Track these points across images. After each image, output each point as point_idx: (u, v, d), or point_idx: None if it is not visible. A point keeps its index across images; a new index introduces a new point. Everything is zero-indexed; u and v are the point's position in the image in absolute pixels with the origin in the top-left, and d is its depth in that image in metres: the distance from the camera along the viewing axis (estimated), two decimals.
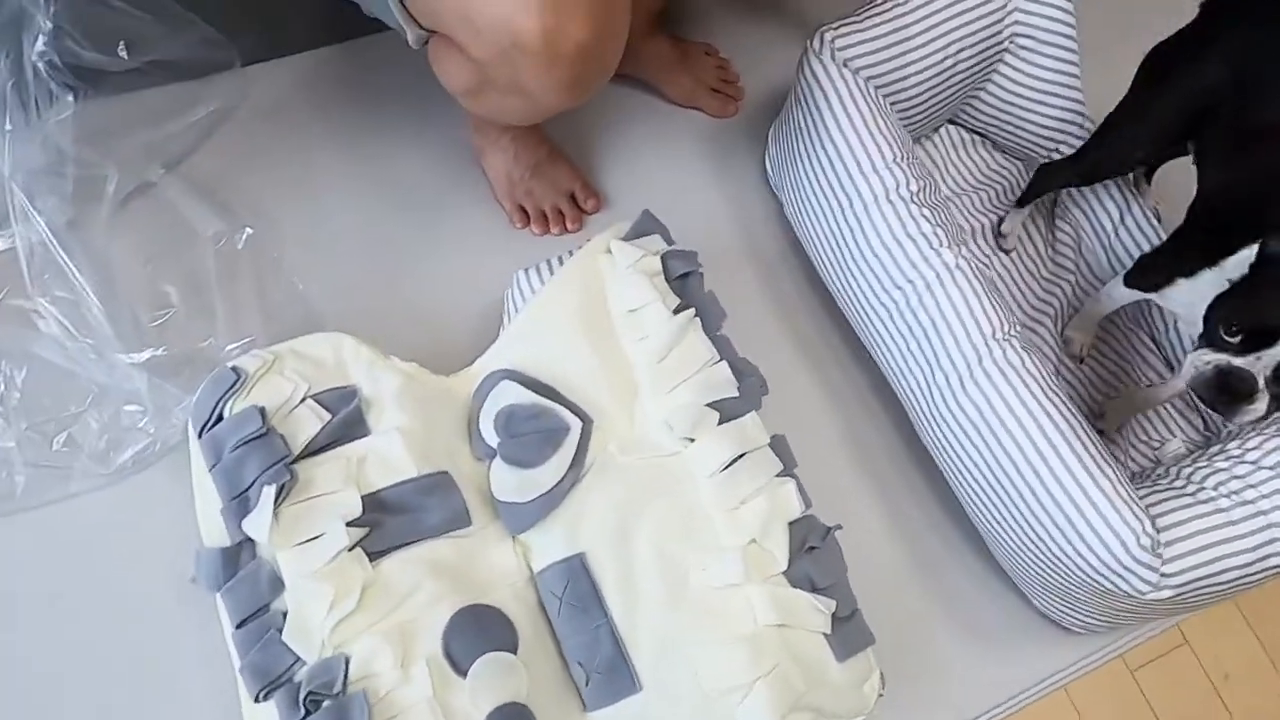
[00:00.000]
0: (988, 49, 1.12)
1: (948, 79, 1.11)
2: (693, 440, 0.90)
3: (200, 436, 0.85)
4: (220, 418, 0.85)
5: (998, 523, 0.94)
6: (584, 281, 0.96)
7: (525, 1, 0.66)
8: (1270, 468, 0.91)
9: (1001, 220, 1.21)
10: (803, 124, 1.05)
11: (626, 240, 0.99)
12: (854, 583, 0.91)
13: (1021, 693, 1.01)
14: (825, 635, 0.86)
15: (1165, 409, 1.13)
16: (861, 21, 1.05)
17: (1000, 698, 1.01)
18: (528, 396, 0.89)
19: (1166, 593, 0.84)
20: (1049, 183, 1.15)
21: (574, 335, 0.93)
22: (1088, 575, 0.86)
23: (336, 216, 1.11)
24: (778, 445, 0.94)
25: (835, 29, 1.04)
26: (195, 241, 1.03)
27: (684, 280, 1.00)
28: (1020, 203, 1.19)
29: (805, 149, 1.05)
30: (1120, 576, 0.84)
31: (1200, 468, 0.94)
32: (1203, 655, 1.07)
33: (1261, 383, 0.77)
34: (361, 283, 1.08)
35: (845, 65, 1.03)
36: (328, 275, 1.07)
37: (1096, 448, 0.87)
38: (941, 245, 0.96)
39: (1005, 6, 1.11)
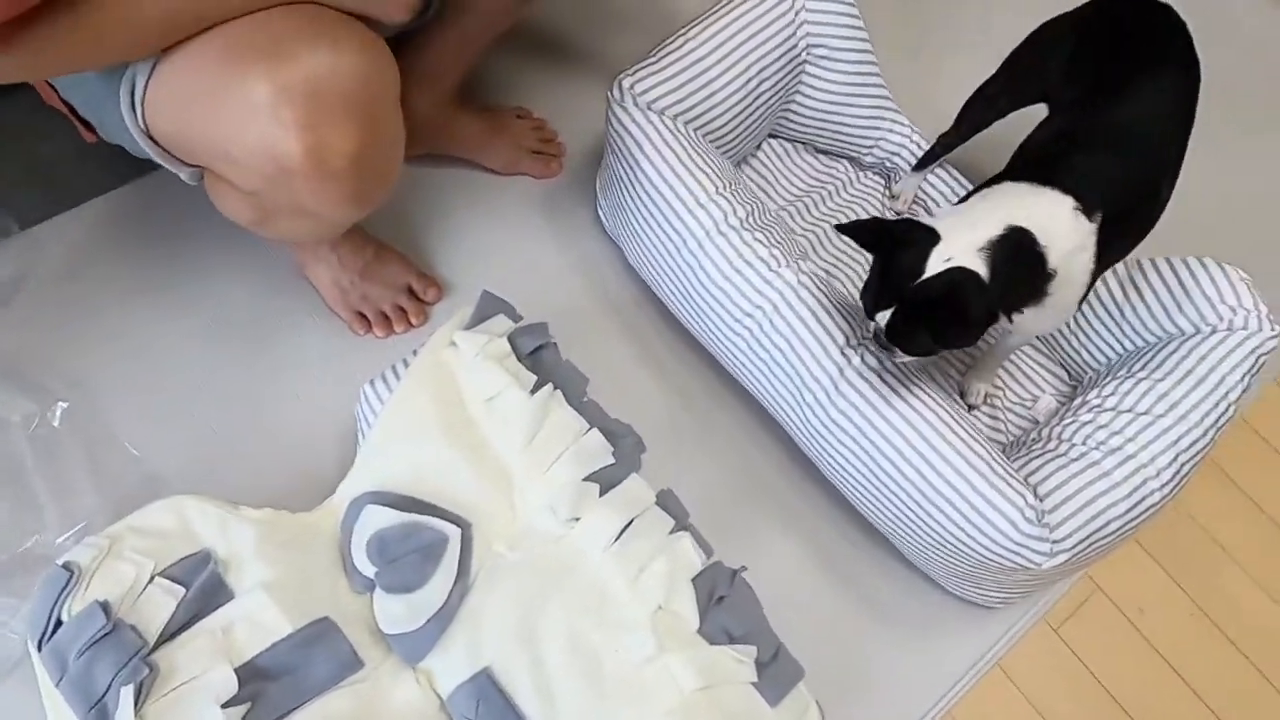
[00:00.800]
0: (787, 64, 1.15)
1: (754, 100, 1.13)
2: (578, 518, 0.87)
3: (40, 649, 0.77)
4: (59, 623, 0.77)
5: (893, 521, 0.95)
6: (433, 381, 0.92)
7: (280, 125, 0.63)
8: (1129, 410, 0.95)
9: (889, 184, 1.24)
10: (622, 173, 1.05)
11: (470, 327, 0.96)
12: (773, 611, 0.90)
13: (960, 679, 1.02)
14: (753, 684, 0.84)
15: (1028, 369, 1.17)
16: (657, 63, 1.05)
17: (942, 689, 1.01)
18: (395, 517, 0.84)
19: (1062, 557, 0.86)
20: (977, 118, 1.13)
21: (433, 439, 0.89)
22: (985, 557, 0.87)
23: (164, 366, 1.04)
24: (666, 500, 0.93)
25: (632, 74, 1.04)
26: (3, 429, 0.94)
27: (537, 355, 0.97)
28: (917, 167, 1.22)
29: (630, 196, 1.04)
30: (1015, 553, 0.85)
31: (1068, 424, 0.97)
32: (1115, 596, 1.10)
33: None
34: (203, 431, 1.01)
35: (649, 108, 1.03)
36: (165, 432, 1.00)
37: (967, 431, 0.89)
38: (780, 266, 0.96)
39: (795, 22, 1.13)
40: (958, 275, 0.78)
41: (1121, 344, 1.08)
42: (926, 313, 0.80)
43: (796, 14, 1.13)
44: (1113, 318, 1.08)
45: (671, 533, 0.89)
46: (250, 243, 1.09)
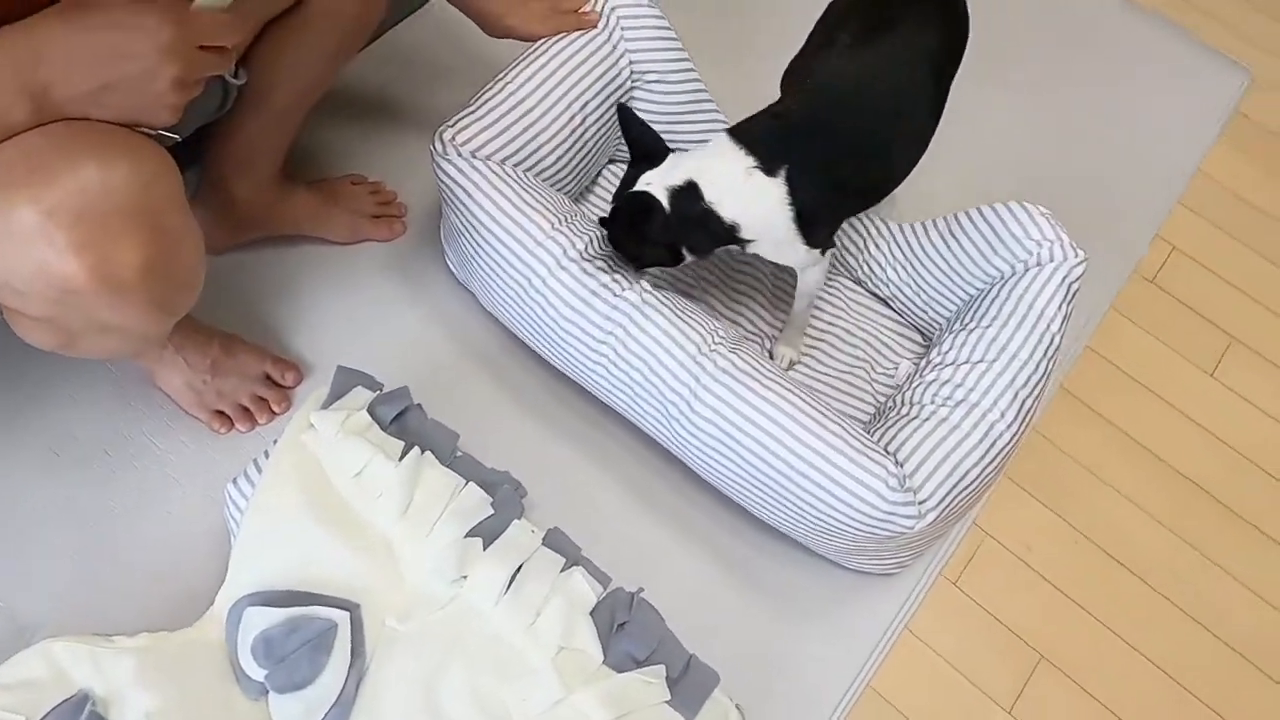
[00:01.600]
0: (614, 93, 1.17)
1: (584, 134, 1.15)
2: (466, 576, 0.87)
3: None
4: None
5: (776, 512, 0.98)
6: (296, 468, 0.90)
7: (55, 250, 0.61)
8: (967, 361, 1.00)
9: None
10: (459, 223, 1.06)
11: (327, 405, 0.95)
12: (680, 622, 0.91)
13: (873, 650, 1.05)
14: (667, 702, 0.85)
15: (886, 338, 1.22)
16: (476, 111, 1.07)
17: (857, 663, 1.04)
18: (278, 615, 0.83)
19: (931, 516, 0.90)
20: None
21: (305, 527, 0.88)
22: (862, 530, 0.91)
23: (17, 508, 0.99)
24: (554, 539, 0.93)
25: (453, 125, 1.05)
26: None
27: (401, 421, 0.97)
28: None
29: (471, 245, 1.05)
30: (887, 521, 0.89)
31: (917, 386, 1.02)
32: (1003, 539, 1.15)
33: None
34: (70, 568, 0.97)
35: (474, 156, 1.04)
36: (27, 577, 0.95)
37: (822, 413, 0.92)
38: (624, 289, 0.99)
39: (615, 52, 1.16)
40: (640, 197, 0.95)
41: (956, 296, 1.14)
42: (622, 221, 0.97)
43: (615, 45, 1.16)
44: (943, 271, 1.14)
45: (563, 570, 0.90)
46: (89, 362, 1.06)
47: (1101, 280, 1.32)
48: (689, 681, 0.88)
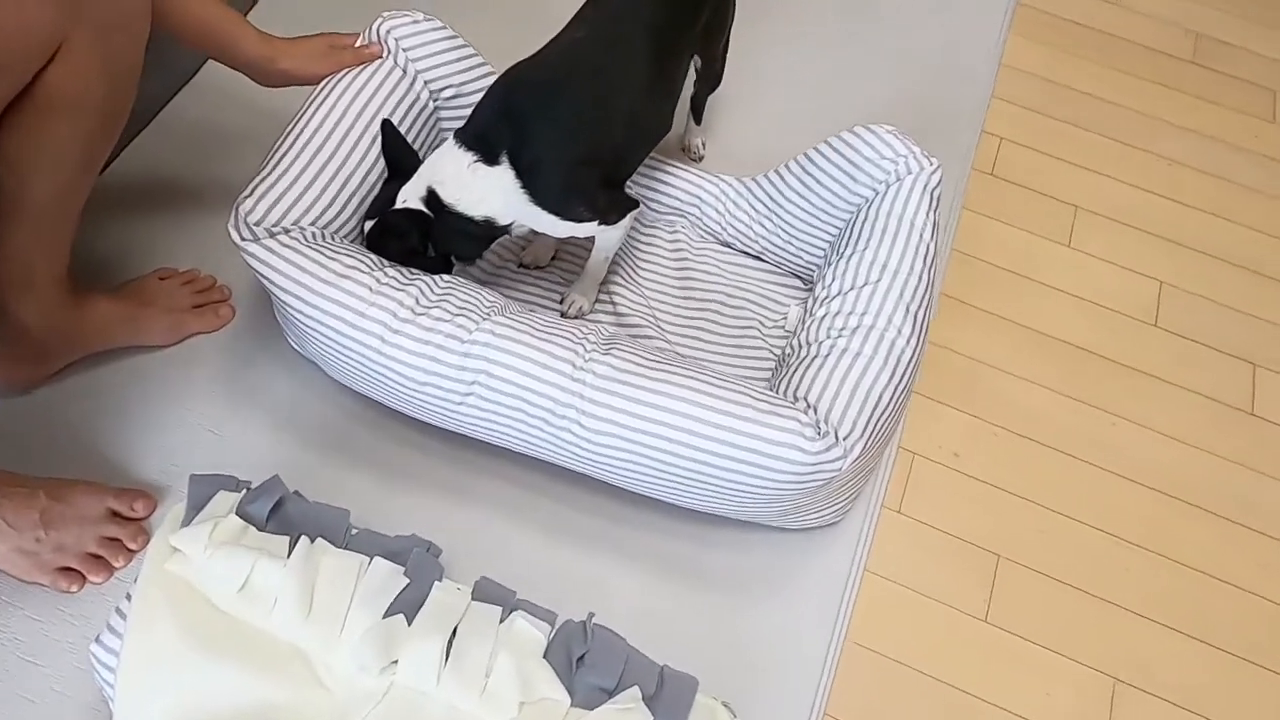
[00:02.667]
0: (419, 118, 1.09)
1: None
2: (396, 661, 0.77)
3: None
4: None
5: (703, 498, 0.92)
6: (166, 603, 0.78)
7: None
8: (853, 287, 0.98)
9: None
10: (279, 303, 0.95)
11: (188, 520, 0.83)
12: (641, 636, 0.84)
13: (841, 604, 1.01)
14: None
15: (767, 289, 1.19)
16: (269, 175, 0.96)
17: (829, 620, 1.00)
18: None
19: (857, 450, 0.87)
20: None
21: (193, 664, 0.76)
22: (793, 488, 0.86)
23: None
24: (483, 591, 0.85)
25: (249, 197, 0.95)
26: None
27: (280, 513, 0.86)
28: None
29: (297, 325, 0.95)
30: (815, 471, 0.85)
31: (809, 325, 0.99)
32: (929, 454, 1.15)
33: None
34: None
35: (275, 230, 0.93)
36: None
37: (717, 384, 0.87)
38: (474, 329, 0.90)
39: (407, 75, 1.08)
40: (387, 219, 0.97)
41: (826, 232, 1.13)
42: (381, 244, 0.98)
43: (405, 69, 1.08)
44: (807, 212, 1.13)
45: (503, 620, 0.81)
46: None
47: (949, 184, 1.34)
48: (667, 695, 0.81)
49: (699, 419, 0.85)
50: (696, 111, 1.30)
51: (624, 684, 0.80)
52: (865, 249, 1.00)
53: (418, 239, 0.96)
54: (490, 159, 0.94)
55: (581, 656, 0.81)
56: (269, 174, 0.96)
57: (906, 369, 0.93)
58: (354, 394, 1.07)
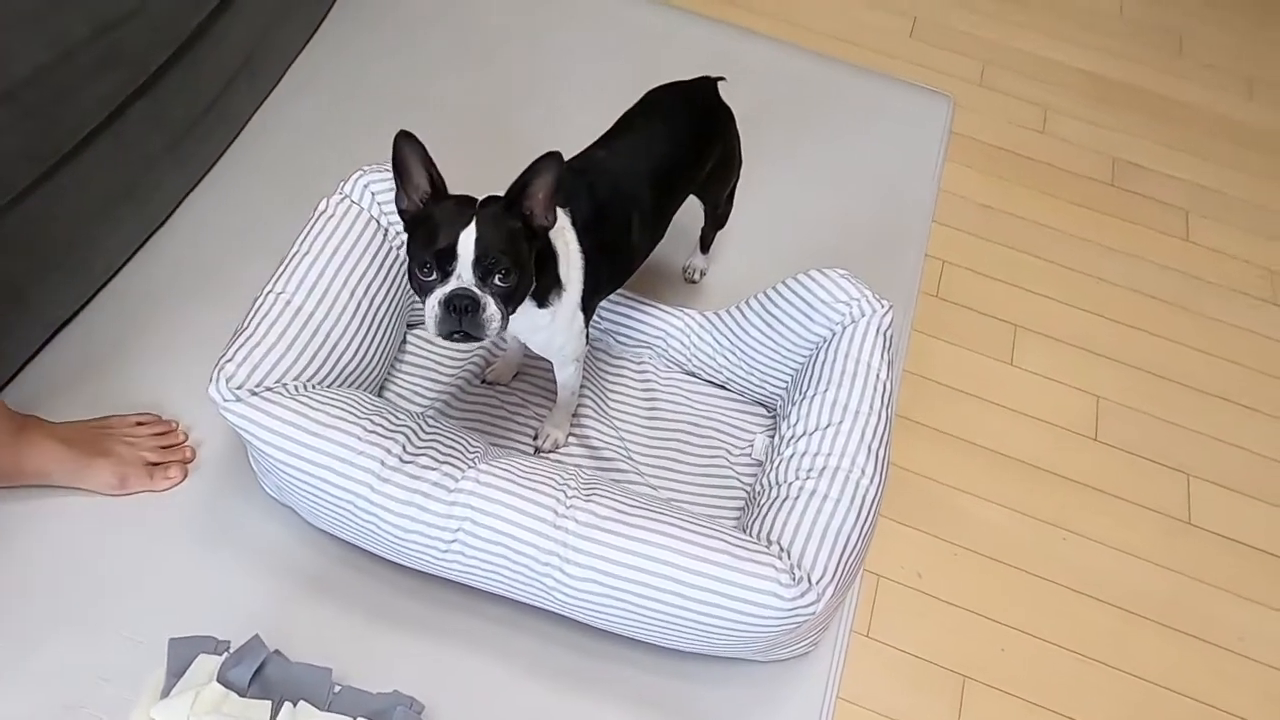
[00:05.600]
0: (394, 265, 1.13)
1: (375, 317, 1.09)
2: None
3: None
4: None
5: (682, 639, 0.95)
6: None
7: None
8: (817, 429, 1.03)
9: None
10: (264, 461, 0.97)
11: (168, 689, 0.83)
12: None
13: None
14: None
15: (734, 419, 1.24)
16: (251, 334, 0.98)
17: None
18: None
19: (829, 592, 0.90)
20: None
21: None
22: (769, 631, 0.90)
23: None
24: None
25: (231, 360, 0.96)
26: None
27: (261, 676, 0.86)
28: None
29: (283, 475, 0.96)
30: (791, 615, 0.88)
31: (777, 465, 1.04)
32: (893, 575, 1.19)
33: (476, 290, 0.84)
34: None
35: (259, 390, 0.95)
36: None
37: (695, 530, 0.91)
38: (460, 477, 0.93)
39: (371, 204, 1.12)
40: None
41: (787, 366, 1.19)
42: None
43: (380, 220, 1.12)
44: (768, 348, 1.19)
45: None
46: None
47: (899, 309, 1.42)
48: None
49: (679, 565, 0.88)
50: (704, 242, 1.38)
51: None
52: (826, 389, 1.05)
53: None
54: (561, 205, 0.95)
55: None
56: (249, 335, 0.98)
57: (870, 507, 0.97)
58: (332, 538, 1.07)
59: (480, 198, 0.88)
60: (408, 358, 1.25)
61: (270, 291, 1.02)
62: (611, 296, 1.28)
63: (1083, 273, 1.59)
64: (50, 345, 1.20)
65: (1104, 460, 1.35)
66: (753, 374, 1.23)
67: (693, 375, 1.29)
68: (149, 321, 1.24)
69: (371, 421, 0.96)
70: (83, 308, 1.24)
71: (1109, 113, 1.89)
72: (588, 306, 1.02)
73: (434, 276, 0.84)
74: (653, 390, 1.27)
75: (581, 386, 1.19)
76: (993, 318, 1.50)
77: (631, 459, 1.18)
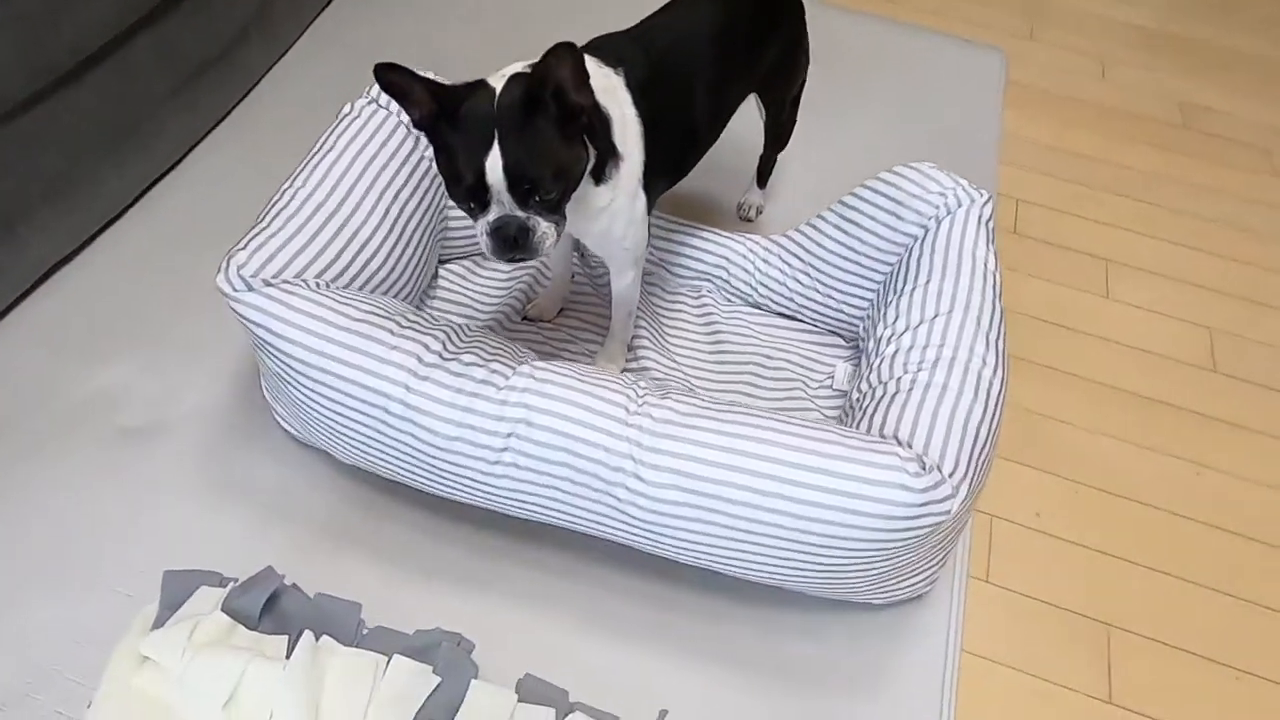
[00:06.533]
0: (426, 175, 1.01)
1: (406, 225, 0.97)
2: None
3: None
4: None
5: (783, 565, 0.78)
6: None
7: None
8: (923, 320, 0.88)
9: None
10: (281, 368, 0.82)
11: (161, 622, 0.67)
12: None
13: (943, 693, 0.85)
14: None
15: (810, 350, 1.09)
16: (268, 226, 0.86)
17: (933, 706, 0.83)
18: None
19: (964, 490, 0.74)
20: None
21: None
22: (897, 537, 0.73)
23: None
24: (531, 690, 0.68)
25: (243, 249, 0.84)
26: None
27: (276, 608, 0.70)
28: None
29: (302, 389, 0.82)
30: (924, 512, 0.72)
31: (880, 366, 0.89)
32: (1010, 517, 1.02)
33: (521, 214, 0.74)
34: None
35: (270, 283, 0.82)
36: None
37: (798, 425, 0.76)
38: (512, 374, 0.80)
39: (418, 148, 1.00)
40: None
41: (870, 279, 1.05)
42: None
43: (398, 109, 0.99)
44: (848, 259, 1.05)
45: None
46: None
47: None
48: None
49: (784, 460, 0.72)
50: (762, 174, 1.26)
51: None
52: (929, 282, 0.91)
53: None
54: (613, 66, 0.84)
55: None
56: (266, 226, 0.86)
57: (996, 402, 0.82)
58: (356, 478, 0.93)
59: (498, 81, 0.74)
60: (440, 292, 1.11)
61: (289, 188, 0.90)
62: (664, 223, 1.16)
63: (1167, 208, 1.46)
64: (42, 287, 1.08)
65: (1228, 391, 1.19)
66: (829, 298, 1.08)
67: (758, 308, 1.15)
68: (149, 270, 1.12)
69: (405, 319, 0.82)
70: (79, 250, 1.12)
71: (1170, 60, 1.78)
72: (650, 186, 0.89)
73: (473, 206, 0.74)
74: (715, 324, 1.12)
75: (636, 323, 1.05)
76: (1079, 252, 1.36)
77: (696, 393, 1.03)
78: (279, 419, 0.95)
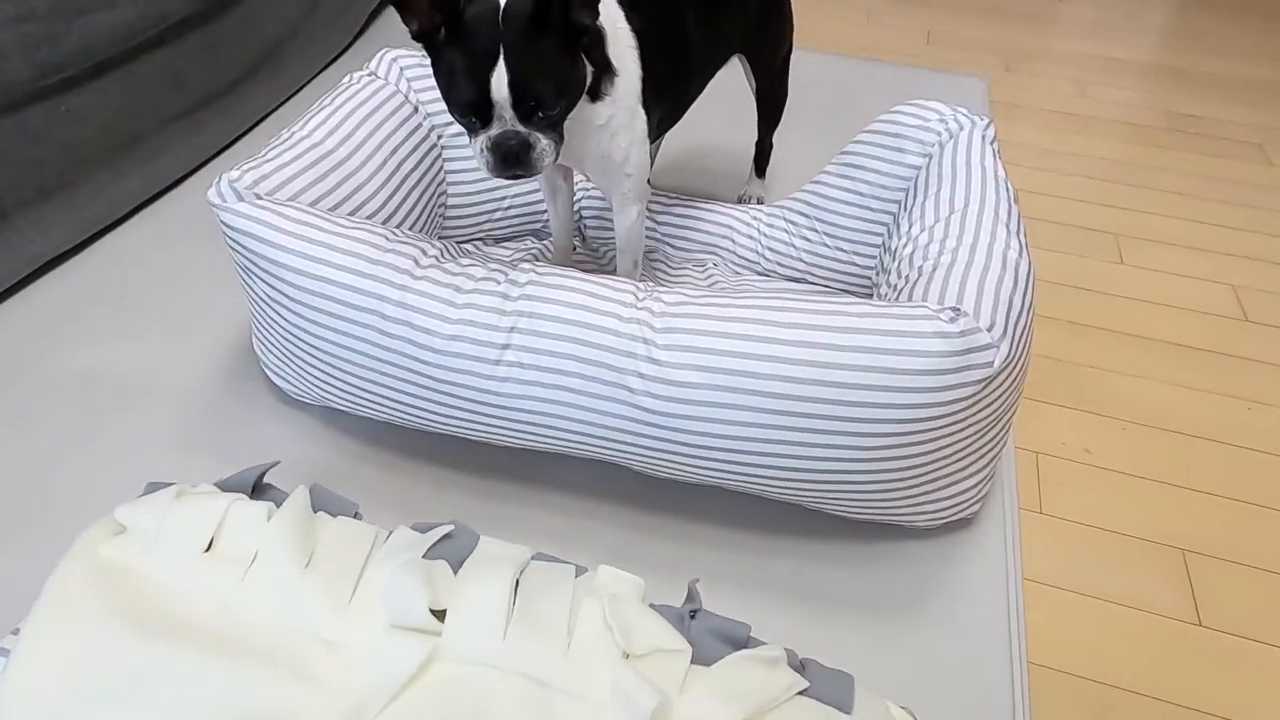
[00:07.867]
0: (428, 153, 1.02)
1: (406, 179, 0.97)
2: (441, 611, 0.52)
3: None
4: None
5: (815, 438, 0.71)
6: (94, 593, 0.53)
7: None
8: (939, 220, 0.85)
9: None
10: (268, 288, 0.79)
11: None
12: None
13: (1010, 622, 0.76)
14: (803, 693, 0.52)
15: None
16: (270, 157, 0.85)
17: (1001, 644, 0.74)
18: None
19: (1005, 344, 0.69)
20: None
21: (131, 672, 0.50)
22: (938, 394, 0.67)
23: None
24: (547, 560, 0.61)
25: (239, 168, 0.82)
26: None
27: (268, 494, 0.64)
28: None
29: (290, 311, 0.78)
30: (966, 363, 0.66)
31: (901, 261, 0.85)
32: (1056, 453, 0.95)
33: (523, 129, 0.74)
34: None
35: (261, 198, 0.80)
36: None
37: (827, 298, 0.72)
38: (512, 270, 0.77)
39: (416, 116, 1.02)
40: None
41: (879, 222, 1.02)
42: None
43: (410, 97, 1.02)
44: (854, 205, 1.03)
45: (579, 576, 0.57)
46: None
47: None
48: (815, 675, 0.55)
49: (809, 325, 0.68)
50: (760, 162, 1.25)
51: (751, 645, 0.55)
52: (939, 190, 0.89)
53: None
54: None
55: (694, 612, 0.56)
56: (262, 157, 0.85)
57: (1026, 281, 0.78)
58: (351, 433, 0.87)
59: None
60: None
61: (288, 132, 0.90)
62: (665, 199, 1.16)
63: (1170, 191, 1.46)
64: (36, 283, 1.06)
65: (1265, 337, 1.14)
66: (839, 250, 1.06)
67: (766, 275, 1.12)
68: (149, 270, 1.11)
69: (397, 233, 0.80)
70: (76, 250, 1.11)
71: (1150, 82, 1.85)
72: (648, 107, 0.89)
73: (474, 122, 0.75)
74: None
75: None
76: (1086, 229, 1.35)
77: None
78: (270, 372, 0.90)
